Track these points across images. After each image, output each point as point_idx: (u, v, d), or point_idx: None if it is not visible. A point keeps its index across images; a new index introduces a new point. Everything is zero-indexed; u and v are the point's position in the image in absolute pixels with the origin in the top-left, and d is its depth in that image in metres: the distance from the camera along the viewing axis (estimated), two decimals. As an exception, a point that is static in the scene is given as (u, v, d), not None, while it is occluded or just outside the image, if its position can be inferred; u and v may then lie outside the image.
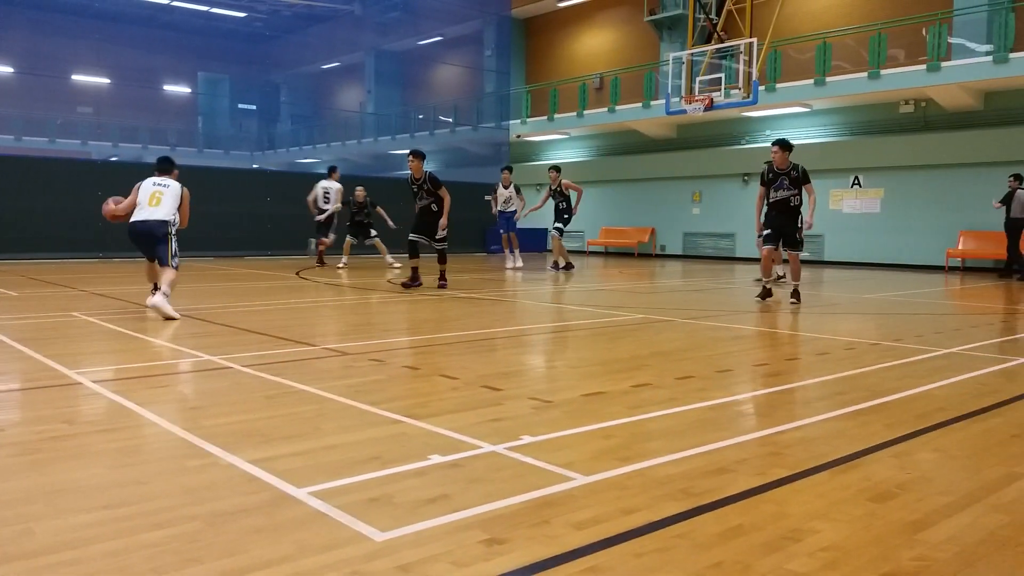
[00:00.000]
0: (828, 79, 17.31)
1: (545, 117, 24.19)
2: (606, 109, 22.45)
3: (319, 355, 5.01)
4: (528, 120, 24.95)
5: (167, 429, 3.18)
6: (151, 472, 2.67)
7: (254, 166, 32.09)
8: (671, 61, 17.52)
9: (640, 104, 21.33)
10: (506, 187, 14.57)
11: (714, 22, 18.02)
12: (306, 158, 34.49)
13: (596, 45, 25.43)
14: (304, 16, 32.51)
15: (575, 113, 23.27)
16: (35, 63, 31.16)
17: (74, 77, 32.59)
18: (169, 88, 35.78)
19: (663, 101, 18.81)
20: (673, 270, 15.87)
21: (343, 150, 32.54)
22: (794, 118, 19.50)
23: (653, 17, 22.25)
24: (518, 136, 25.09)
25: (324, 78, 35.75)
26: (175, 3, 30.66)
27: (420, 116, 29.89)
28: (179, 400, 3.92)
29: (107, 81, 31.64)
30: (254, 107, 37.00)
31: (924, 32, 16.52)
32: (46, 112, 30.03)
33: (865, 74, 16.76)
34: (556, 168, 14.01)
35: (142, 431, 3.17)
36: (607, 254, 23.65)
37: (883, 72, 16.49)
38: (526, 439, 3.07)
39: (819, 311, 8.45)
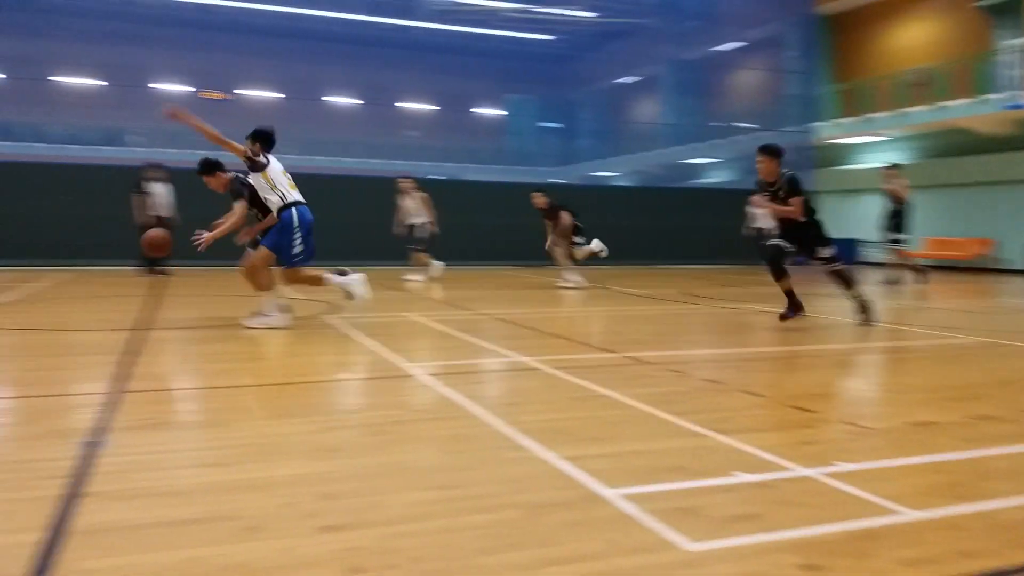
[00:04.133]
0: None
1: (856, 118, 22.38)
2: (930, 107, 20.17)
3: (620, 362, 5.13)
4: (836, 122, 23.27)
5: (487, 421, 3.46)
6: (476, 460, 2.93)
7: (549, 180, 33.74)
8: (1007, 49, 15.25)
9: (971, 99, 18.85)
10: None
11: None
12: (600, 171, 35.47)
13: (915, 37, 22.97)
14: (602, 33, 33.55)
15: (892, 112, 21.22)
16: (373, 94, 35.82)
17: (400, 104, 36.85)
18: (481, 111, 38.99)
19: (1000, 95, 16.45)
20: (1020, 288, 13.80)
21: (638, 161, 32.94)
22: None
23: (983, 2, 19.57)
24: (824, 139, 23.51)
25: (621, 92, 36.55)
26: (488, 31, 33.33)
27: (717, 123, 29.28)
28: (497, 395, 4.26)
29: (433, 107, 35.43)
30: (557, 125, 38.96)
31: None
32: (383, 137, 34.34)
33: None
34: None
35: (466, 422, 3.49)
36: (935, 268, 21.20)
37: None
38: (842, 466, 2.88)
39: None
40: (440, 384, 4.29)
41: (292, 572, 1.96)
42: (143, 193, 12.93)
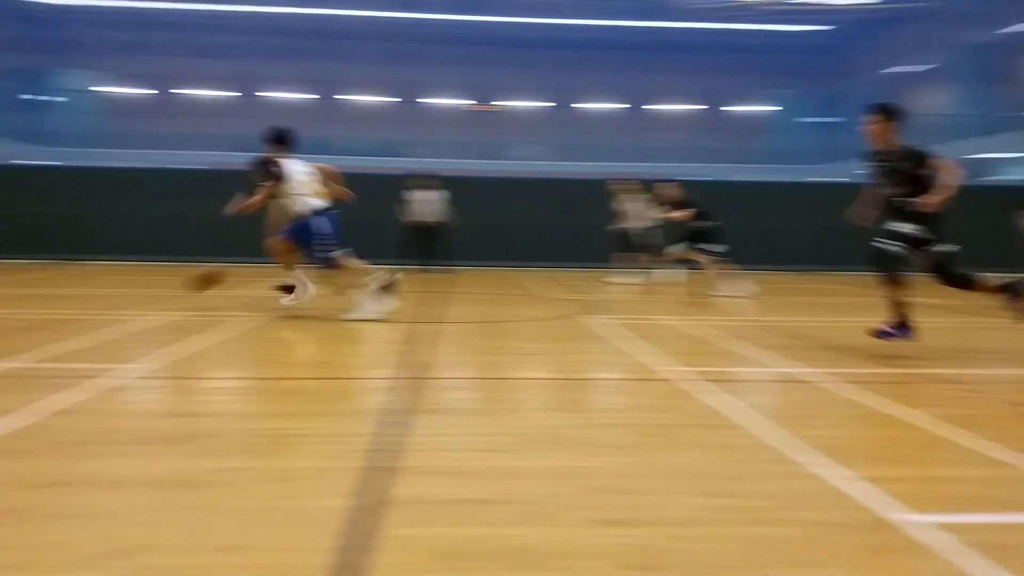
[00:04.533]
0: None
1: None
2: None
3: (906, 379, 4.69)
4: None
5: (754, 433, 3.33)
6: (748, 471, 2.83)
7: (808, 178, 31.61)
8: None
9: None
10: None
11: None
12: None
13: None
14: (878, 20, 30.93)
15: None
16: (633, 98, 36.07)
17: (656, 106, 36.60)
18: (741, 108, 37.65)
19: None
20: None
21: (914, 157, 29.91)
22: None
23: None
24: None
25: (896, 82, 33.39)
26: (747, 27, 32.13)
27: (1011, 114, 25.73)
28: (765, 406, 4.07)
29: (692, 107, 34.84)
30: (826, 119, 36.63)
31: None
32: (640, 139, 34.34)
33: None
34: None
35: (733, 431, 3.37)
36: None
37: None
38: None
39: None
40: (702, 390, 4.18)
41: (571, 560, 2.02)
42: (403, 201, 14.49)
